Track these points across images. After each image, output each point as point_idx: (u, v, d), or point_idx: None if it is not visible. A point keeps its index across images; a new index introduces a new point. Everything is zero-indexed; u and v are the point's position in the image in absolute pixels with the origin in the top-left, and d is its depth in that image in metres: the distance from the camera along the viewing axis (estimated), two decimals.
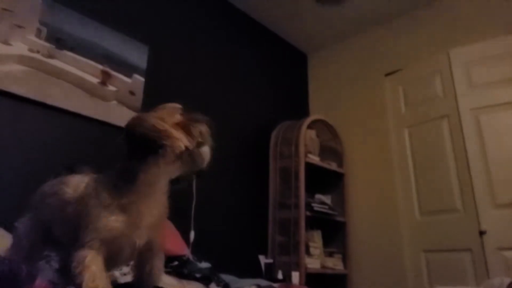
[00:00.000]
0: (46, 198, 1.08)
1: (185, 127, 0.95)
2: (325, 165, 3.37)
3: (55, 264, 1.51)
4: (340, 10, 3.48)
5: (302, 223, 2.94)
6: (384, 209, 3.19)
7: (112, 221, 0.90)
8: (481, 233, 2.59)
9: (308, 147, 3.29)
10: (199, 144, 0.97)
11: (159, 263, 1.04)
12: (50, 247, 1.12)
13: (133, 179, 0.93)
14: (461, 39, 3.00)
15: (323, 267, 3.11)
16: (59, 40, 2.19)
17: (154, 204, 0.97)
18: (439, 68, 3.05)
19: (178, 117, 0.96)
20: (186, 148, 0.93)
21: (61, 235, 1.04)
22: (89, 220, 0.90)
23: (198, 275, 1.75)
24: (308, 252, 3.02)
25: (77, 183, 1.04)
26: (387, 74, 3.45)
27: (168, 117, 0.95)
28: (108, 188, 0.93)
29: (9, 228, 1.53)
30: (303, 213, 2.96)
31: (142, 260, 1.02)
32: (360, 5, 3.41)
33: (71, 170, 1.18)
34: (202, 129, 0.97)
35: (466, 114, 2.81)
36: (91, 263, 0.87)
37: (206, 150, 1.00)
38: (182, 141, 0.92)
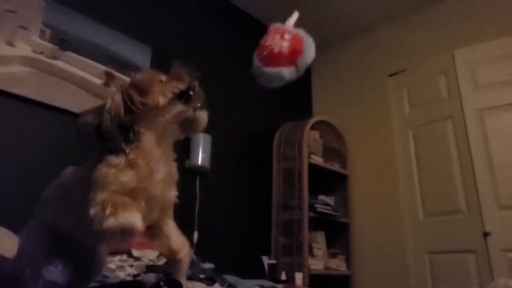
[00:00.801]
0: (48, 199, 1.07)
1: (175, 78, 0.99)
2: (328, 166, 3.36)
3: (60, 266, 1.51)
4: (344, 11, 3.47)
5: (305, 224, 2.93)
6: (387, 210, 3.18)
7: (123, 176, 0.86)
8: (485, 234, 2.58)
9: (311, 148, 3.28)
10: (195, 109, 0.98)
11: (171, 222, 1.02)
12: (57, 252, 1.11)
13: (135, 139, 0.91)
14: (466, 39, 2.99)
15: (326, 268, 3.10)
16: (62, 42, 2.19)
17: (162, 161, 0.95)
18: (444, 69, 3.03)
19: (162, 77, 0.99)
20: (182, 97, 0.95)
21: (67, 227, 1.01)
22: (97, 183, 0.85)
23: (202, 276, 1.75)
24: (311, 253, 3.01)
25: (72, 170, 1.04)
26: (391, 75, 3.44)
27: (149, 80, 0.97)
28: (112, 152, 0.90)
29: (13, 228, 1.54)
30: (306, 214, 2.95)
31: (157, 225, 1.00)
32: (364, 5, 3.40)
33: None
34: (192, 82, 0.99)
35: (470, 115, 2.80)
36: (107, 198, 0.82)
37: (203, 115, 1.01)
38: (161, 96, 0.93)
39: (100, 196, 0.83)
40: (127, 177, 0.87)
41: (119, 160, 0.88)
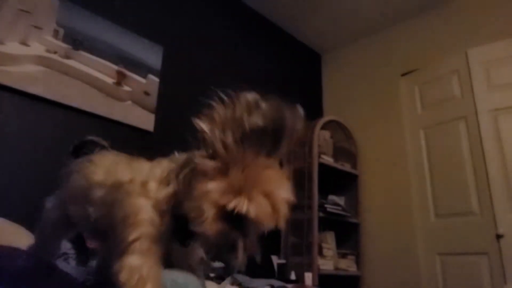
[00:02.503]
0: (70, 176, 1.01)
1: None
2: (338, 166, 3.34)
3: (73, 262, 1.53)
4: (355, 10, 3.45)
5: (315, 224, 2.92)
6: (398, 211, 3.15)
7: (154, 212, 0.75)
8: (498, 236, 2.54)
9: (321, 148, 3.26)
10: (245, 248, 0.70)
11: None
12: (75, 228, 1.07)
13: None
14: (480, 39, 2.94)
15: (336, 268, 3.09)
16: (75, 41, 2.21)
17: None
18: (457, 68, 2.99)
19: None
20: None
21: (78, 220, 0.97)
22: (128, 211, 0.75)
23: (212, 275, 1.76)
24: (321, 253, 3.00)
25: (109, 165, 0.91)
26: (403, 74, 3.40)
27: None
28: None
29: (24, 224, 1.56)
30: (316, 214, 2.94)
31: None
32: (375, 4, 3.37)
33: (93, 144, 1.11)
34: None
35: (484, 116, 2.76)
36: (147, 280, 0.69)
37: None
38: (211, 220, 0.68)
39: (134, 241, 0.71)
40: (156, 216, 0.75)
41: (157, 191, 0.76)
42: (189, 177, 0.73)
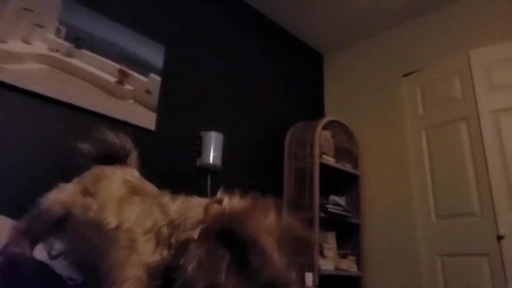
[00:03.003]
0: (81, 190, 1.00)
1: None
2: (339, 166, 3.34)
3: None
4: (357, 10, 3.45)
5: (316, 224, 2.92)
6: (399, 211, 3.15)
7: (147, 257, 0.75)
8: (499, 237, 2.53)
9: (323, 148, 3.26)
10: None
11: None
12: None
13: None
14: (481, 40, 2.94)
15: (336, 268, 3.09)
16: (77, 39, 2.22)
17: None
18: (459, 69, 2.99)
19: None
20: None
21: (67, 248, 1.00)
22: (111, 264, 0.75)
23: None
24: (321, 254, 3.00)
25: (107, 199, 0.88)
26: (405, 75, 3.40)
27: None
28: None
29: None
30: (317, 214, 2.94)
31: None
32: (377, 5, 3.37)
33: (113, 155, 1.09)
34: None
35: (485, 117, 2.76)
36: None
37: None
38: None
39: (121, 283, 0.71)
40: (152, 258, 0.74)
41: (144, 245, 0.75)
42: (183, 248, 0.72)
